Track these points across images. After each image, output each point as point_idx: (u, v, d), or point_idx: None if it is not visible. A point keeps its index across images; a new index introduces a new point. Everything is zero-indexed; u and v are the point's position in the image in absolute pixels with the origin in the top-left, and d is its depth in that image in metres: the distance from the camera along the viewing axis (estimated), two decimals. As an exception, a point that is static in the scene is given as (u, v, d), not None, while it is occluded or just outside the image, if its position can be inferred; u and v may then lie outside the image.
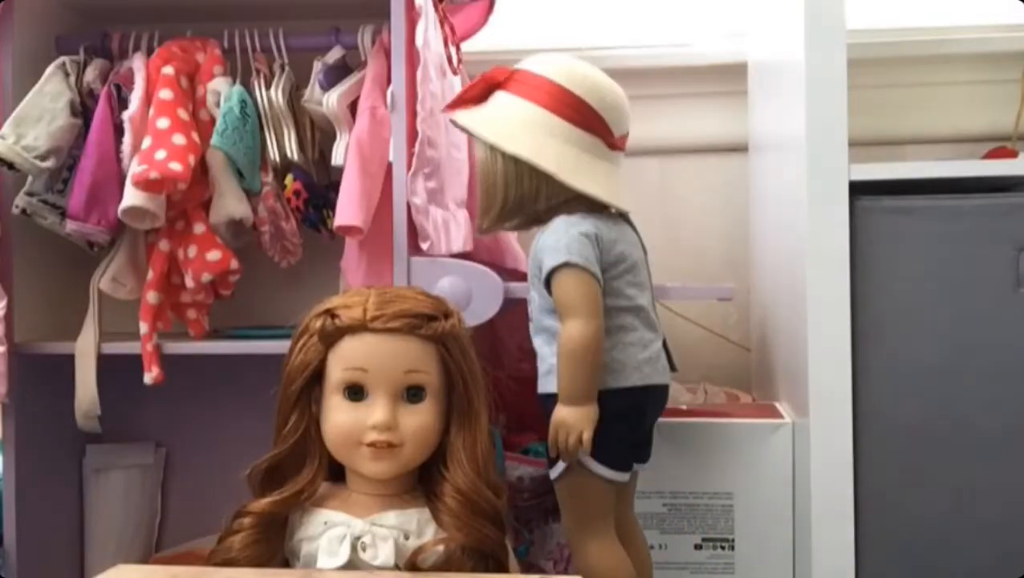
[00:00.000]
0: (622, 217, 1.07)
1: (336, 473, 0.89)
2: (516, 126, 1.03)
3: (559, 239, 1.00)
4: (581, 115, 1.03)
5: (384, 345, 0.85)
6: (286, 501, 0.85)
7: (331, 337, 0.85)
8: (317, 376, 0.87)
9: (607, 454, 0.99)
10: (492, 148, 1.04)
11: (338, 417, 0.85)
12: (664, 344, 1.06)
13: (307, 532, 0.86)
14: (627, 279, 1.03)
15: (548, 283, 1.00)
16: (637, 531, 1.07)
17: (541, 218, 1.06)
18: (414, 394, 0.85)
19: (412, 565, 0.82)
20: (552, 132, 1.02)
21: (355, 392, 0.85)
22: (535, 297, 1.04)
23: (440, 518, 0.85)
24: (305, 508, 0.87)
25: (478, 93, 1.08)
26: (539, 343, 1.04)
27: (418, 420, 0.85)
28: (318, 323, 0.86)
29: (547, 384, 1.01)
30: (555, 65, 1.06)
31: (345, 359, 0.85)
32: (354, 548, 0.83)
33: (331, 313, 0.86)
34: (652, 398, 1.03)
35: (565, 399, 0.98)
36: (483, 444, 0.87)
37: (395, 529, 0.84)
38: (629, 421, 1.01)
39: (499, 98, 1.06)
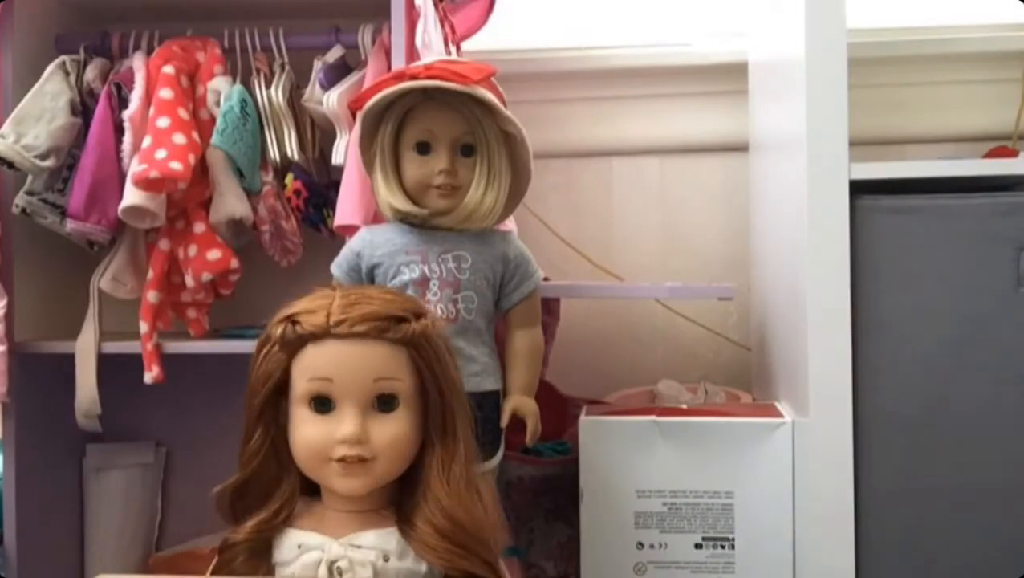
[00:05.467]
0: None
1: (310, 486, 0.84)
2: None
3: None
4: None
5: (350, 352, 0.79)
6: (267, 522, 0.81)
7: (292, 345, 0.80)
8: (282, 387, 0.81)
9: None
10: None
11: (305, 431, 0.80)
12: None
13: (281, 556, 0.81)
14: None
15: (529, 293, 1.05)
16: None
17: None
18: (385, 403, 0.80)
19: None
20: None
21: (322, 404, 0.79)
22: (474, 297, 1.02)
23: (415, 547, 0.79)
24: (278, 528, 0.81)
25: None
26: (468, 344, 1.02)
27: (391, 431, 0.79)
28: (278, 330, 0.80)
29: (485, 383, 1.03)
30: None
31: (309, 369, 0.79)
32: (330, 572, 0.78)
33: (292, 319, 0.80)
34: None
35: (531, 391, 1.05)
36: (462, 461, 0.81)
37: (374, 549, 0.79)
38: None
39: None
